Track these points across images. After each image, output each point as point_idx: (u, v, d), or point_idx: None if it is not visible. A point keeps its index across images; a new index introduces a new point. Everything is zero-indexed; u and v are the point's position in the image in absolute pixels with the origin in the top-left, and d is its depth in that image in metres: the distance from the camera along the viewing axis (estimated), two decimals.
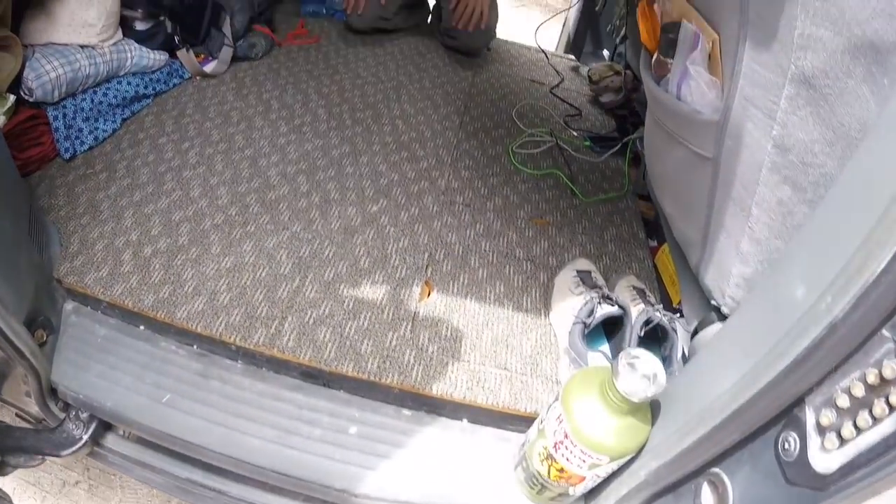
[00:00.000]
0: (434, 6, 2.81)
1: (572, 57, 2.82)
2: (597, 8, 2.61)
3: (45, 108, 1.64)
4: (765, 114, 0.90)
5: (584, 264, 1.49)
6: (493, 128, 2.03)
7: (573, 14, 2.89)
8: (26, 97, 1.59)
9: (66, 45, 1.69)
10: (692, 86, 1.05)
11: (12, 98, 1.54)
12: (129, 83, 1.86)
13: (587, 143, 2.06)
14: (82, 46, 1.72)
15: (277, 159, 1.68)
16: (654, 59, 1.31)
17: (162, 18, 1.94)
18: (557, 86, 2.41)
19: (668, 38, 1.18)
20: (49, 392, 1.16)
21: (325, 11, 2.72)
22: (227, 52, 2.13)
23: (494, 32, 2.53)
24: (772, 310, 0.72)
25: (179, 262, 1.34)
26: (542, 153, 1.97)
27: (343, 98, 2.01)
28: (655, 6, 1.39)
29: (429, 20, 2.84)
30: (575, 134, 2.11)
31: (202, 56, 2.13)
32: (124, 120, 1.81)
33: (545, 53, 2.68)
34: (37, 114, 1.62)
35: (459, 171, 1.78)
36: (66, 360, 1.18)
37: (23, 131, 1.58)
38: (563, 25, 3.00)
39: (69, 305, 1.27)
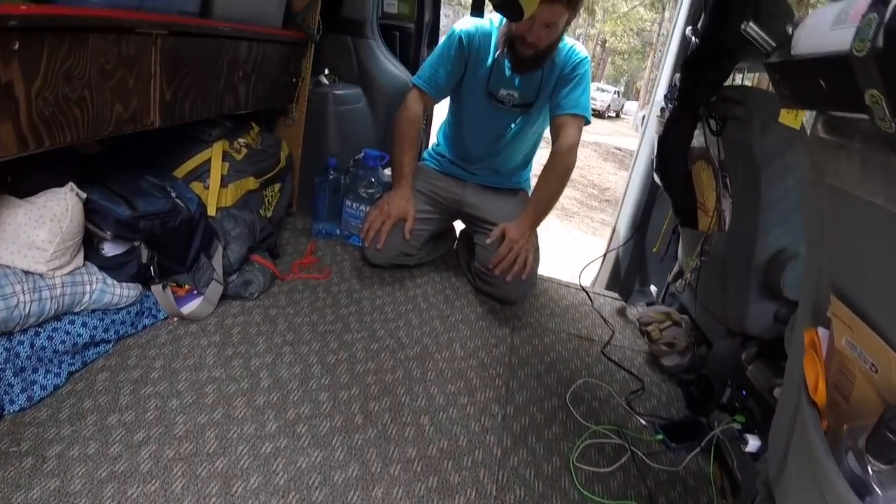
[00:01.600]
0: (462, 232, 2.48)
1: (617, 296, 2.52)
2: (655, 249, 2.29)
3: None
4: None
5: None
6: (546, 423, 1.59)
7: (621, 253, 2.57)
8: None
9: (7, 266, 1.32)
10: None
11: None
12: (84, 324, 1.46)
13: (659, 436, 1.64)
14: (27, 273, 1.34)
15: (258, 484, 1.21)
16: (847, 449, 0.86)
17: (136, 244, 1.57)
18: (609, 342, 2.08)
19: (888, 439, 0.76)
20: None
21: (338, 233, 2.39)
22: (215, 290, 1.75)
23: (535, 280, 2.16)
24: None
25: None
26: (611, 465, 1.51)
27: (353, 375, 1.59)
28: (819, 335, 0.99)
29: (454, 246, 2.52)
30: (643, 423, 1.70)
31: (184, 288, 1.74)
32: (71, 374, 1.40)
33: (588, 294, 2.41)
34: None
35: None
36: None
37: None
38: (603, 261, 2.67)
39: None
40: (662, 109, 2.05)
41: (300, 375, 1.53)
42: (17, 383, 1.29)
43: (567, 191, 7.75)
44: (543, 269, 2.41)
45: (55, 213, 1.35)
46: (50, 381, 1.35)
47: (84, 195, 1.45)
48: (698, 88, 1.63)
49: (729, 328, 1.82)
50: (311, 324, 1.76)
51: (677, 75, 1.82)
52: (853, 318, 0.90)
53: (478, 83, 2.18)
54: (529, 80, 2.14)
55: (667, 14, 17.41)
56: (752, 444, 1.39)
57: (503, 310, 2.11)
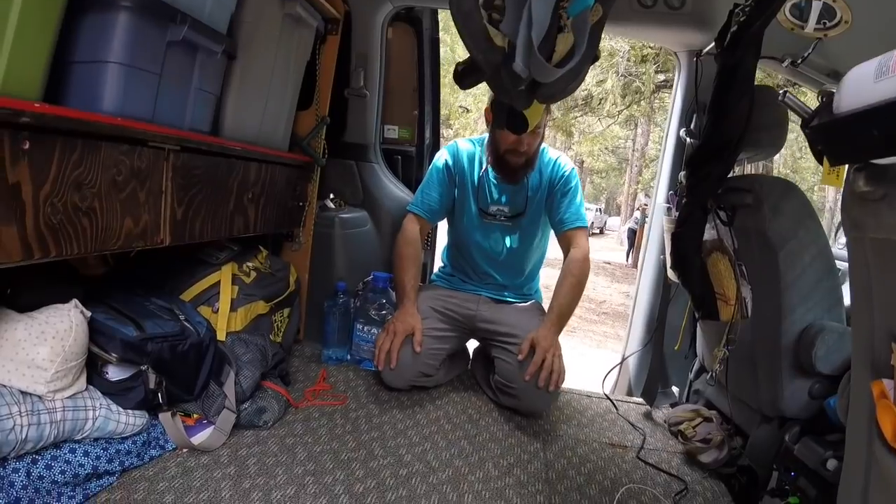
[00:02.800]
0: (476, 351, 2.43)
1: (640, 401, 2.40)
2: (676, 347, 2.24)
3: None
4: None
5: None
6: None
7: (639, 357, 2.53)
8: None
9: (3, 386, 1.21)
10: None
11: None
12: (86, 454, 1.32)
13: None
14: (24, 393, 1.23)
15: None
16: None
17: (144, 367, 1.46)
18: (643, 446, 1.97)
19: None
20: None
21: (349, 358, 2.28)
22: (227, 419, 1.63)
23: (560, 389, 2.11)
24: None
25: None
26: None
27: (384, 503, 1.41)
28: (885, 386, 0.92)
29: (469, 366, 2.42)
30: None
31: (194, 417, 1.64)
32: None
33: (612, 402, 2.32)
34: None
35: None
36: None
37: None
38: (621, 367, 2.61)
39: None
40: (669, 209, 2.06)
41: None
42: None
43: None
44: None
45: (58, 329, 1.26)
46: None
47: (88, 313, 1.35)
48: (706, 183, 1.66)
49: (764, 414, 1.76)
50: (333, 452, 1.62)
51: (682, 173, 1.86)
52: None
53: (468, 201, 2.28)
54: (517, 192, 2.23)
55: (639, 130, 18.18)
56: None
57: (530, 425, 1.99)
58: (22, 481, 1.18)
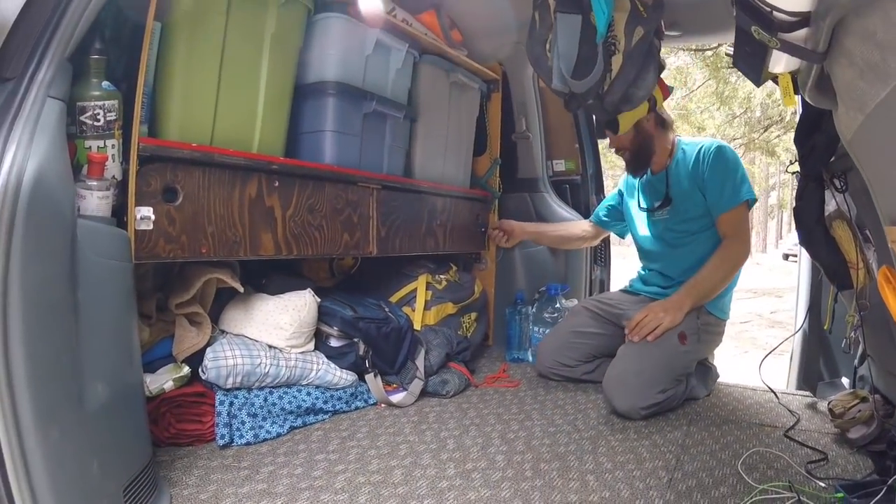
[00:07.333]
0: None
1: (807, 393, 2.25)
2: (825, 326, 2.07)
3: (216, 391, 1.62)
4: None
5: None
6: (713, 485, 1.50)
7: (797, 343, 2.38)
8: (201, 374, 1.62)
9: (256, 341, 1.73)
10: None
11: (187, 369, 1.57)
12: (308, 394, 1.79)
13: (840, 495, 1.41)
14: (270, 346, 1.73)
15: None
16: None
17: (356, 340, 1.92)
18: (793, 427, 1.86)
19: None
20: None
21: (530, 359, 2.58)
22: (417, 385, 2.03)
23: (652, 397, 1.95)
24: None
25: None
26: None
27: (529, 446, 1.68)
28: None
29: None
30: (822, 485, 1.48)
31: (393, 385, 2.04)
32: (293, 428, 1.72)
33: (774, 392, 2.18)
34: (205, 392, 1.61)
35: None
36: None
37: (186, 403, 1.57)
38: (791, 359, 2.46)
39: None
40: None
41: (482, 444, 1.67)
42: (249, 422, 1.61)
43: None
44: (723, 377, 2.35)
45: (297, 304, 1.78)
46: (275, 429, 1.65)
47: (319, 299, 1.86)
48: (813, 155, 1.65)
49: None
50: (497, 414, 1.92)
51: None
52: None
53: (627, 204, 2.46)
54: (655, 183, 2.28)
55: None
56: None
57: (682, 406, 2.05)
58: (260, 403, 1.65)
